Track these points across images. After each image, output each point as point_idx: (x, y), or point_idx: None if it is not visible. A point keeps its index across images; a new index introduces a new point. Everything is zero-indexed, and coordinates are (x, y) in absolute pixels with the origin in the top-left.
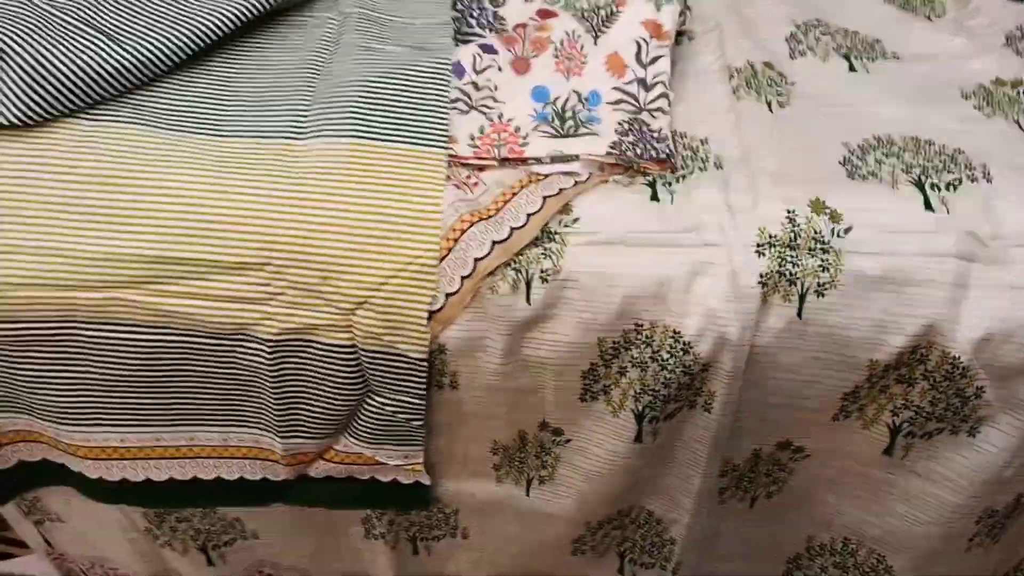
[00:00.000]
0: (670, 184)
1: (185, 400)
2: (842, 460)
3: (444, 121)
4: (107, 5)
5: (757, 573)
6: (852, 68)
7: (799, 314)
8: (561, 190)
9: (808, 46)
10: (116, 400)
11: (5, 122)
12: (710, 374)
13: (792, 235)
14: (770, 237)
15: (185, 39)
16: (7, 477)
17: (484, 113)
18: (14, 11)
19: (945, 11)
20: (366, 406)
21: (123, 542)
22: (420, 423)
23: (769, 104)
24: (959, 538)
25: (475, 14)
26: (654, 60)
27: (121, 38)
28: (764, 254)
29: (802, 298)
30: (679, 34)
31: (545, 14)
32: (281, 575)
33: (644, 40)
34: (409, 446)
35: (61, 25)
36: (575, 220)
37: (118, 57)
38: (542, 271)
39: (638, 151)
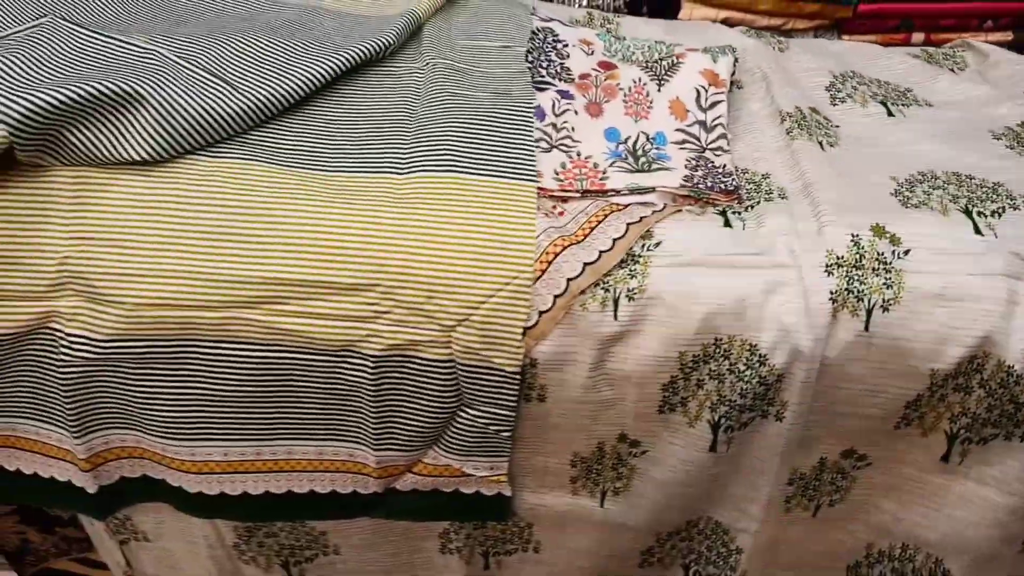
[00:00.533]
0: (739, 213)
1: (287, 415)
2: (902, 467)
3: (532, 157)
4: (229, 56)
5: None
6: (890, 113)
7: (866, 328)
8: (642, 218)
9: (847, 94)
10: (223, 415)
11: (137, 158)
12: (783, 384)
13: (857, 256)
14: (837, 258)
15: (294, 87)
16: (108, 493)
17: (564, 151)
18: (149, 62)
19: (967, 64)
20: (458, 419)
21: (206, 560)
22: (509, 434)
23: (820, 144)
24: (1014, 540)
25: (544, 65)
26: (713, 105)
27: (241, 85)
28: (832, 273)
29: (869, 313)
30: (731, 83)
31: (606, 66)
32: None
33: (703, 88)
34: (496, 458)
35: (189, 74)
36: (657, 244)
37: (238, 102)
38: (628, 290)
39: (708, 183)
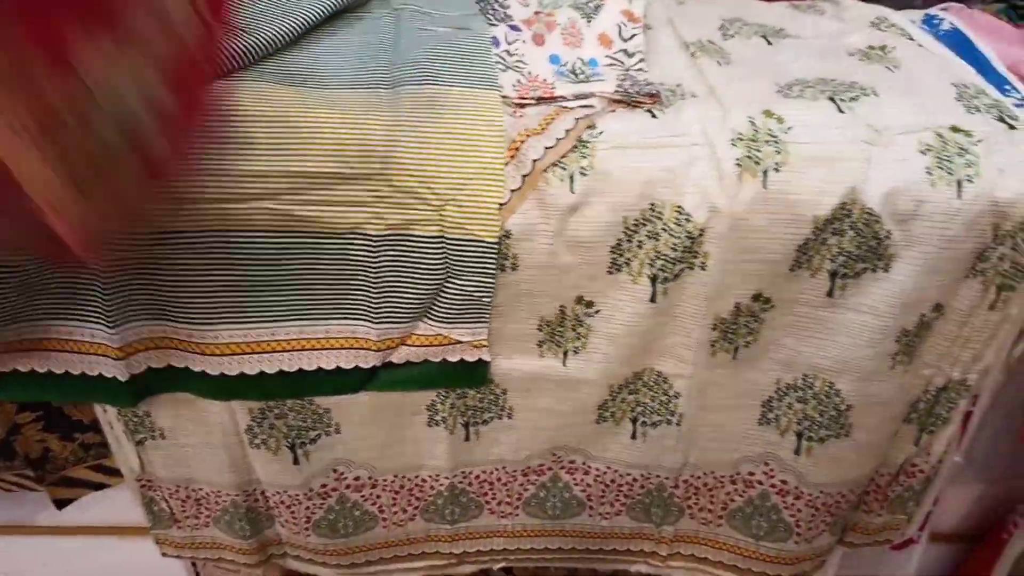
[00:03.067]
0: (662, 110)
1: (300, 297)
2: (798, 306)
3: (494, 71)
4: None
5: (741, 418)
6: (769, 43)
7: (764, 186)
8: (587, 115)
9: (735, 32)
10: (245, 299)
11: None
12: (704, 237)
13: (754, 132)
14: (739, 135)
15: (295, 25)
16: (136, 383)
17: (517, 71)
18: None
19: (826, 11)
20: (446, 290)
21: (219, 451)
22: (489, 300)
23: (718, 63)
24: (885, 356)
25: (491, 13)
26: (632, 36)
27: (251, 27)
28: (736, 146)
29: (765, 174)
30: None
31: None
32: (353, 472)
33: (624, 23)
34: (477, 324)
35: None
36: (600, 133)
37: (250, 40)
38: (581, 168)
39: (635, 89)
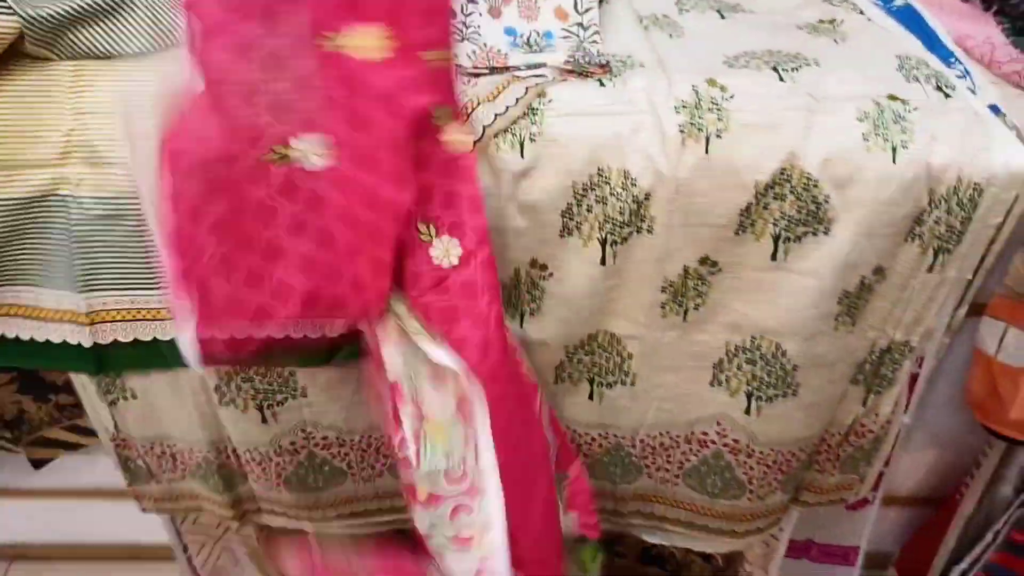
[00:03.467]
0: (611, 80)
1: None
2: (744, 270)
3: (451, 38)
4: None
5: (693, 379)
6: (722, 16)
7: (706, 151)
8: (538, 84)
9: (691, 7)
10: None
11: (129, 52)
12: (650, 202)
13: (697, 100)
14: (683, 103)
15: None
16: (102, 354)
17: (473, 42)
18: None
19: None
20: None
21: (190, 409)
22: None
23: (669, 35)
24: (828, 317)
25: None
26: (587, 10)
27: None
28: (680, 112)
29: (707, 140)
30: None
31: None
32: (320, 432)
33: None
34: None
35: None
36: (550, 100)
37: None
38: (531, 134)
39: (586, 60)
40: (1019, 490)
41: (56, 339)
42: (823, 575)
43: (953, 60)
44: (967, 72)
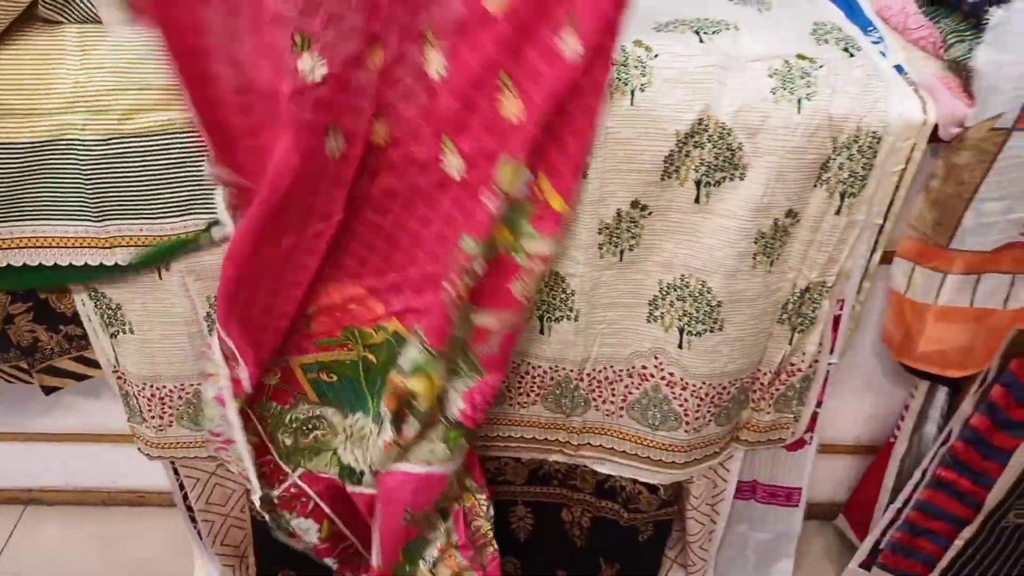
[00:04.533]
0: None
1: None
2: (672, 213)
3: None
4: None
5: (631, 315)
6: None
7: (631, 103)
8: None
9: None
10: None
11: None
12: None
13: (625, 59)
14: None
15: None
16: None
17: None
18: None
19: None
20: None
21: (182, 340)
22: None
23: None
24: (746, 256)
25: None
26: None
27: None
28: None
29: (632, 93)
30: None
31: None
32: None
33: None
34: None
35: None
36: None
37: None
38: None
39: None
40: (941, 428)
41: (78, 263)
42: (770, 516)
43: (871, 28)
44: (881, 39)
